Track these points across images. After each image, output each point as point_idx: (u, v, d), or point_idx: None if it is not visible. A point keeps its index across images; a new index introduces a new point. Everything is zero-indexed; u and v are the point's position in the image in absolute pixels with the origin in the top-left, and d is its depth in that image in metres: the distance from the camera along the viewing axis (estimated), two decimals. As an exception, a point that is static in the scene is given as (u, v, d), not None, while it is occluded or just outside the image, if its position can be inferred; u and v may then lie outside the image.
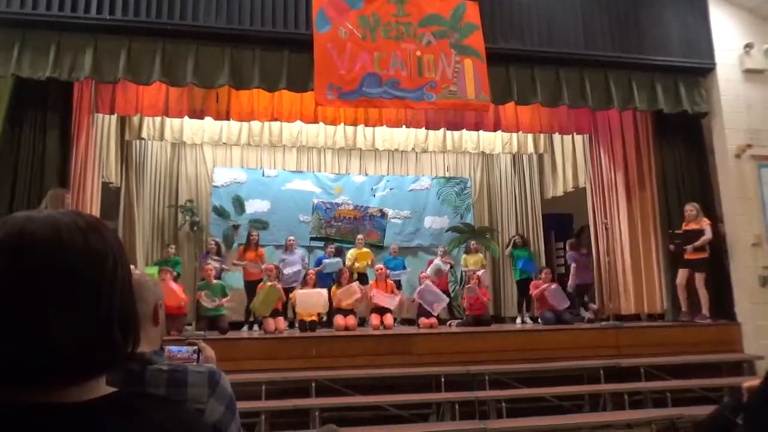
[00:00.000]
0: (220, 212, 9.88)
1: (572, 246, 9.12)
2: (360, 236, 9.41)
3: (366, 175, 10.81)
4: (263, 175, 10.27)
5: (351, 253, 8.92)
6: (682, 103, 7.22)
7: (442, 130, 8.96)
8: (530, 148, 10.12)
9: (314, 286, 7.52)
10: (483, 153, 10.55)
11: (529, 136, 9.85)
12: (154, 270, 7.33)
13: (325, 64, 6.30)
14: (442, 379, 5.50)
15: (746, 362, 6.36)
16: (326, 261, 8.69)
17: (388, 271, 8.29)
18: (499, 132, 8.93)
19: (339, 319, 7.17)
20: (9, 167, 5.92)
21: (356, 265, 8.71)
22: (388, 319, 7.40)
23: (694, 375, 5.91)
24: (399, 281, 8.79)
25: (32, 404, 0.65)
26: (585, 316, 8.39)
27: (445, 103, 6.71)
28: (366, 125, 8.29)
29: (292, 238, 8.87)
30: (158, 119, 8.55)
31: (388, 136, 9.59)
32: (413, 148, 9.91)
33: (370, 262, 8.73)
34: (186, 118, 7.89)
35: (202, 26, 6.21)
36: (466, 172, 11.22)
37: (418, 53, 6.58)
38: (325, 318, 7.63)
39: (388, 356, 5.93)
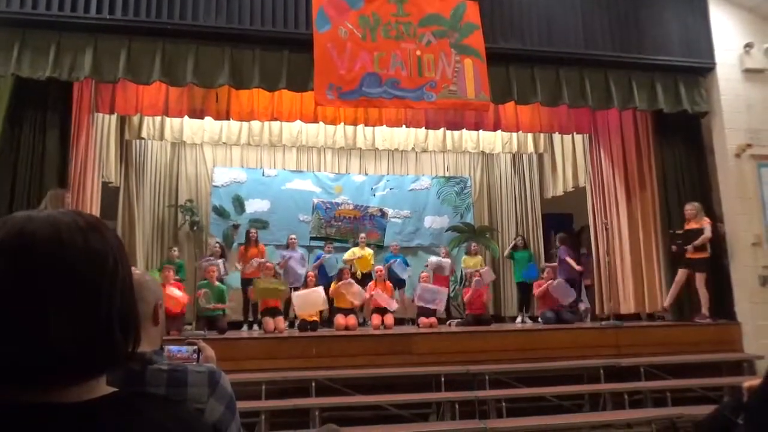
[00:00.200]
0: (220, 212, 9.88)
1: (562, 240, 9.08)
2: (362, 235, 9.41)
3: (366, 174, 10.82)
4: (263, 175, 10.27)
5: (352, 251, 8.91)
6: (682, 102, 7.22)
7: (442, 129, 8.97)
8: (530, 148, 10.12)
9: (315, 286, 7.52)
10: (483, 153, 10.56)
11: (529, 136, 9.85)
12: (156, 273, 7.31)
13: (325, 63, 6.30)
14: (442, 379, 5.50)
15: (746, 362, 6.36)
16: (325, 256, 8.69)
17: (391, 263, 8.36)
18: (499, 132, 8.93)
19: (339, 319, 7.17)
20: (9, 167, 5.92)
21: (356, 267, 8.71)
22: (389, 319, 7.41)
23: (694, 374, 5.91)
24: (404, 280, 8.79)
25: (32, 404, 0.65)
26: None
27: (445, 103, 6.71)
28: (366, 125, 8.30)
29: (293, 236, 8.87)
30: (158, 119, 8.55)
31: (388, 136, 9.60)
32: (413, 148, 9.92)
33: (371, 266, 8.72)
34: (186, 117, 7.89)
35: (202, 26, 6.21)
36: (466, 171, 11.22)
37: (418, 53, 6.57)
38: (327, 315, 7.63)
39: (388, 356, 5.93)
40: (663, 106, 7.19)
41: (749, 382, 1.65)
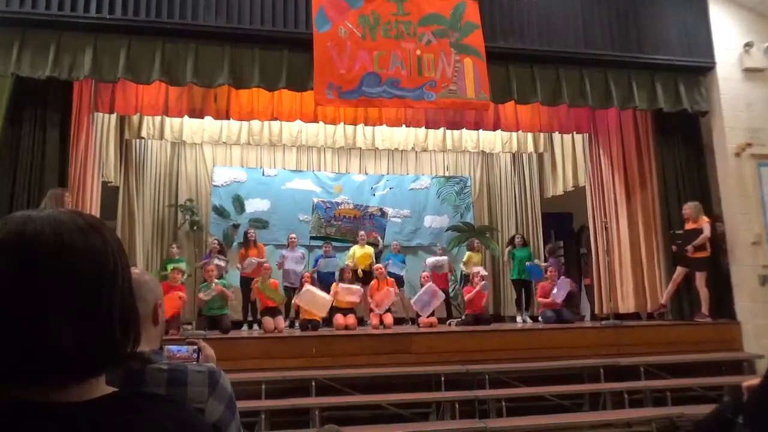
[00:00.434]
0: (220, 212, 9.88)
1: (551, 251, 9.15)
2: (362, 233, 9.42)
3: (366, 174, 10.82)
4: (263, 175, 10.27)
5: (352, 250, 8.92)
6: (682, 102, 7.21)
7: (441, 129, 8.97)
8: (530, 148, 10.11)
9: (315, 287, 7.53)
10: (483, 152, 10.56)
11: (529, 135, 9.85)
12: (166, 272, 7.30)
13: (324, 63, 6.30)
14: (442, 378, 5.50)
15: (746, 361, 6.36)
16: (322, 260, 8.69)
17: (389, 262, 8.36)
18: (498, 131, 8.92)
19: (339, 318, 7.17)
20: (9, 166, 5.92)
21: (357, 263, 8.71)
22: (388, 318, 7.42)
23: (694, 374, 5.91)
24: (401, 277, 8.80)
25: (32, 404, 0.65)
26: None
27: (444, 102, 6.71)
28: (366, 124, 8.29)
29: (294, 235, 8.86)
30: (158, 118, 8.54)
31: (387, 136, 9.60)
32: (413, 148, 9.92)
33: (370, 263, 8.72)
34: (186, 117, 7.88)
35: (202, 25, 6.21)
36: (466, 171, 11.23)
37: (418, 52, 6.57)
38: (326, 314, 7.62)
39: (388, 355, 5.93)
40: (663, 106, 7.19)
41: (749, 382, 1.64)
